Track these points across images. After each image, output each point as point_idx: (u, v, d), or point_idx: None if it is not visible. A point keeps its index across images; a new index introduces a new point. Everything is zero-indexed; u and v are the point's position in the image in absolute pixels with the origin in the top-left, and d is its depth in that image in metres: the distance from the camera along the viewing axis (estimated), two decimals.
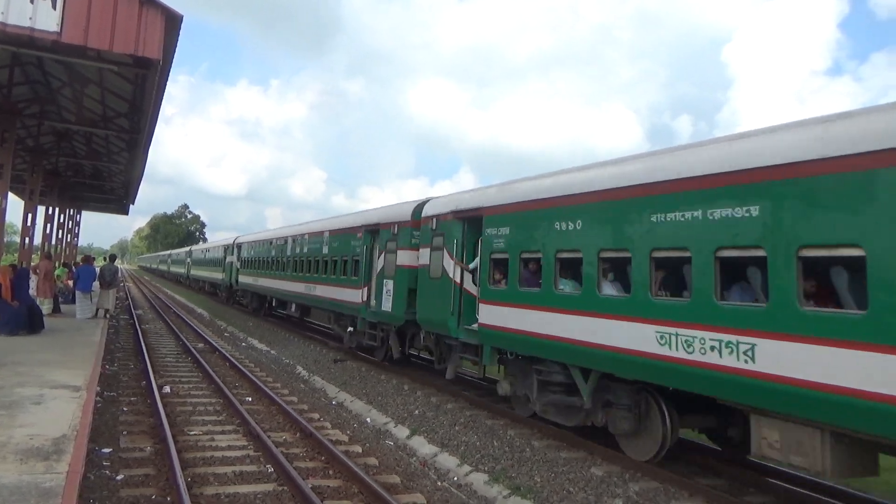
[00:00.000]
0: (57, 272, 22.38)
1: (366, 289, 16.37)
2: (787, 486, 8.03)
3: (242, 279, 30.73)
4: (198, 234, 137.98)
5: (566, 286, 9.45)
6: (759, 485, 8.14)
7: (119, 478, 7.67)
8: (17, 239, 22.11)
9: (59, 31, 10.10)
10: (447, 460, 9.40)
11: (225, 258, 36.17)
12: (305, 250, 22.44)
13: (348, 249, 18.14)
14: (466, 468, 9.00)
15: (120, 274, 22.07)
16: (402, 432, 10.88)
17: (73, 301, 20.12)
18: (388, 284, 14.82)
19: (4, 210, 15.35)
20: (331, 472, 8.46)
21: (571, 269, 9.53)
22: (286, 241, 25.10)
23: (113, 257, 24.13)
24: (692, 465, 8.85)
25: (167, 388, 12.89)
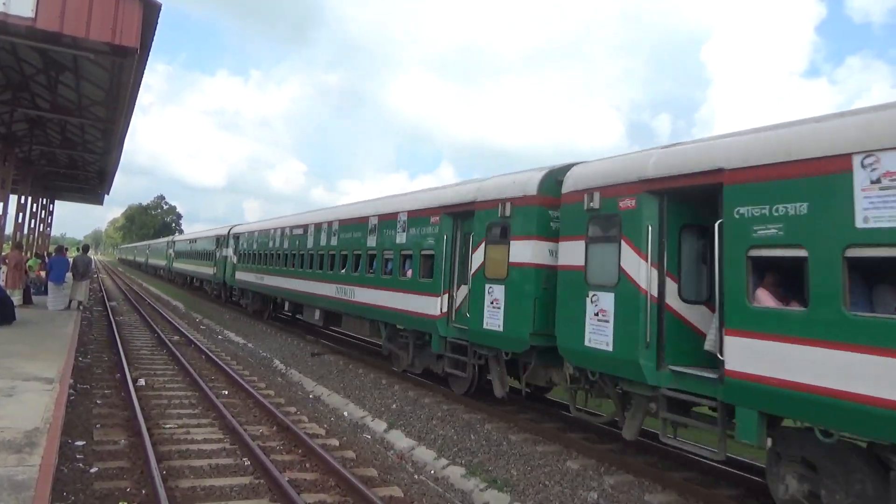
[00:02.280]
0: (29, 263, 21.99)
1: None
2: (759, 479, 8.20)
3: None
4: (174, 225, 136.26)
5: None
6: (730, 478, 8.30)
7: (93, 471, 7.59)
8: None
9: (33, 16, 9.89)
10: (424, 454, 9.44)
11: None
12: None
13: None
14: (443, 461, 9.05)
15: (93, 265, 21.72)
16: (379, 426, 10.90)
17: (45, 292, 19.78)
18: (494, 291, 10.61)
19: None
20: (308, 465, 8.46)
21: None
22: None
23: (86, 248, 23.74)
24: (667, 458, 9.00)
25: (142, 381, 12.75)
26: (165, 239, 62.64)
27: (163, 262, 55.36)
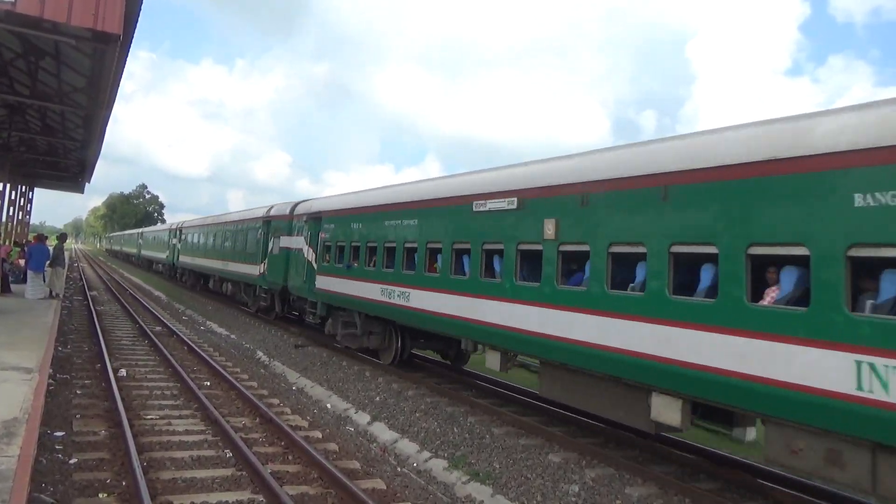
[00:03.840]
0: (10, 252, 21.69)
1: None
2: (736, 473, 8.32)
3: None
4: (156, 215, 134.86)
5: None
6: (709, 472, 8.41)
7: (72, 462, 7.53)
8: None
9: (13, 0, 9.70)
10: (407, 446, 9.47)
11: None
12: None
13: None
14: (426, 454, 9.08)
15: (63, 251, 20.86)
16: (362, 418, 10.90)
17: (24, 281, 19.50)
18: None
19: None
20: (290, 457, 8.45)
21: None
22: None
23: (63, 236, 23.42)
24: (646, 452, 9.10)
25: (123, 372, 12.64)
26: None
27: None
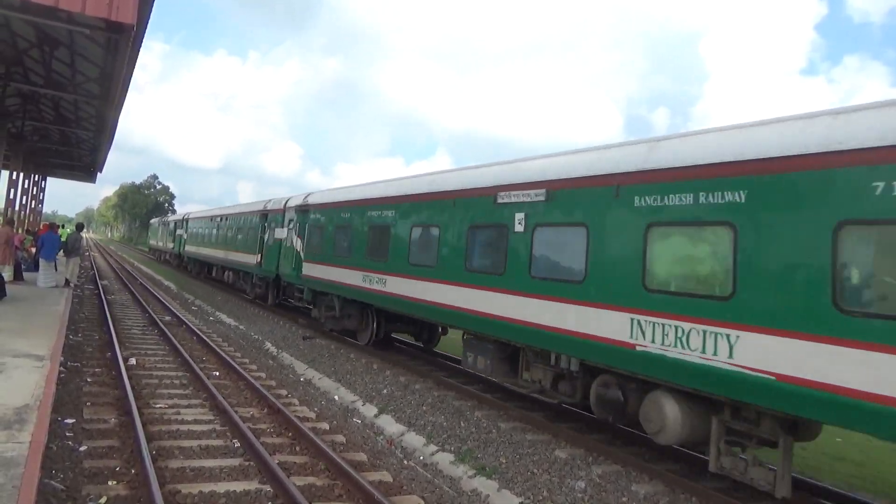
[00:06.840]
0: (25, 240, 21.89)
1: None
2: None
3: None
4: (167, 205, 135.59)
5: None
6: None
7: (82, 449, 7.60)
8: None
9: None
10: (414, 440, 9.49)
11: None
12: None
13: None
14: (433, 448, 9.09)
15: (83, 242, 21.18)
16: (369, 411, 10.93)
17: (36, 269, 19.67)
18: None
19: None
20: (297, 448, 8.50)
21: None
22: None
23: (80, 226, 23.60)
24: (653, 449, 9.07)
25: (133, 360, 12.73)
26: (239, 206, 29.34)
27: (237, 258, 26.76)
